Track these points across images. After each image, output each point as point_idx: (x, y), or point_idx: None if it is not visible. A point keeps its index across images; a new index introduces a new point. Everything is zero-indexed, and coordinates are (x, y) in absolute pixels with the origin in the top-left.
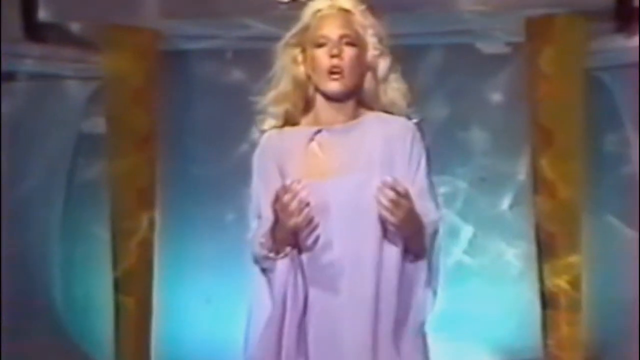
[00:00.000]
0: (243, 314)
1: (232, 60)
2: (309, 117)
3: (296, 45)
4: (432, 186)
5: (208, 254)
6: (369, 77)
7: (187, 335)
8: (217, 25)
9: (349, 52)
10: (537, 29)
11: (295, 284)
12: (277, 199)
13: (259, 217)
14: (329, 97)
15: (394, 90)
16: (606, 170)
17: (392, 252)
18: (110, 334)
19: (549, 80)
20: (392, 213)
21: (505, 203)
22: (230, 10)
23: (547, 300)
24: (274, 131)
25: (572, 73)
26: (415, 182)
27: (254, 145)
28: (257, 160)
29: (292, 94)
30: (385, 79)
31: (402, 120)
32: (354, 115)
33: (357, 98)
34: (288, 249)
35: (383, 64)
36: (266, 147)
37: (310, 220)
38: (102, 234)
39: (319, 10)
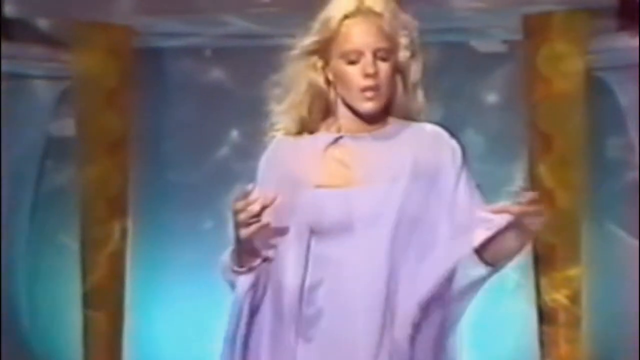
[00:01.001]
0: (222, 329)
1: (211, 59)
2: (329, 124)
3: (315, 52)
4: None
5: (184, 266)
6: (398, 82)
7: (162, 353)
8: (194, 21)
9: (384, 68)
10: (536, 27)
11: (251, 308)
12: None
13: None
14: (359, 114)
15: (421, 96)
16: (608, 176)
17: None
18: (79, 352)
19: (548, 80)
20: (537, 222)
21: None
22: (208, 6)
23: (545, 316)
24: (287, 137)
25: (572, 73)
26: (474, 195)
27: (233, 149)
28: (261, 165)
29: (309, 102)
30: (415, 84)
31: (430, 127)
32: (381, 123)
33: (385, 107)
34: (257, 261)
35: (415, 67)
36: (275, 153)
37: (265, 234)
38: (71, 244)
39: (346, 17)
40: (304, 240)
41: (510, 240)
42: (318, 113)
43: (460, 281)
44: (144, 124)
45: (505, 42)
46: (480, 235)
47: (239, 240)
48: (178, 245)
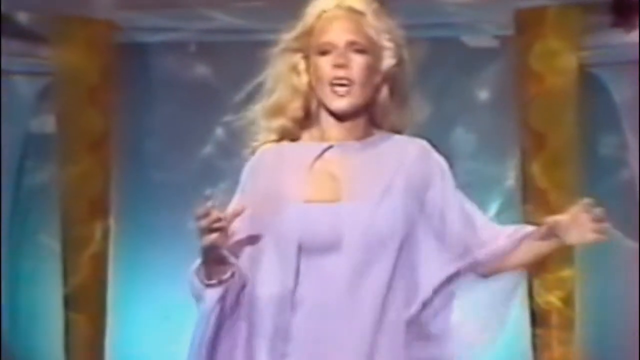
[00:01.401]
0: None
1: (195, 54)
2: (312, 132)
3: (297, 50)
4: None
5: (168, 267)
6: (384, 91)
7: (145, 356)
8: (178, 16)
9: (358, 60)
10: (528, 22)
11: (218, 322)
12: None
13: None
14: (335, 115)
15: (409, 109)
16: (602, 176)
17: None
18: (60, 355)
19: (541, 77)
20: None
21: (492, 211)
22: (192, 0)
23: (537, 318)
24: (272, 146)
25: (566, 70)
26: (465, 208)
27: (218, 147)
28: (245, 175)
29: (290, 107)
30: (403, 96)
31: (417, 141)
32: (365, 135)
33: (369, 115)
34: (227, 274)
35: (401, 77)
36: (259, 163)
37: (234, 244)
38: (52, 245)
39: (324, 11)
40: (293, 256)
41: (517, 257)
42: (300, 119)
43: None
44: (126, 121)
45: (496, 37)
46: (482, 256)
47: (202, 249)
48: (161, 246)
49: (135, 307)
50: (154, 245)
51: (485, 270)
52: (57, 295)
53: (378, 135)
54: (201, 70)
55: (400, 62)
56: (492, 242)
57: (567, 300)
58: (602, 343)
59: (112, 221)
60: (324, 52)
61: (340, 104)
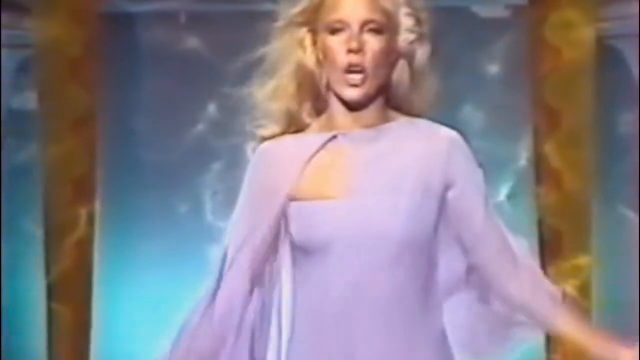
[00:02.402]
0: None
1: (186, 25)
2: (321, 120)
3: (302, 24)
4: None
5: (157, 254)
6: (400, 68)
7: (131, 350)
8: None
9: (373, 44)
10: None
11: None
12: None
13: (224, 259)
14: (346, 103)
15: (429, 89)
16: (621, 156)
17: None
18: (43, 348)
19: (556, 50)
20: None
21: (503, 193)
22: None
23: None
24: (272, 142)
25: (583, 42)
26: (488, 220)
27: (211, 125)
28: (246, 177)
29: (297, 88)
30: (422, 73)
31: (445, 132)
32: (381, 119)
33: (385, 96)
34: None
35: (421, 53)
36: (259, 163)
37: None
38: (34, 231)
39: None
40: (287, 258)
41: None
42: (309, 104)
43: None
44: (112, 97)
45: (509, 7)
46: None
47: None
48: (150, 231)
49: (123, 296)
50: (143, 230)
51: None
52: (40, 285)
53: (398, 121)
54: (192, 42)
55: (420, 38)
56: (527, 294)
57: (583, 290)
58: (619, 334)
59: (97, 205)
60: (334, 31)
61: (352, 93)
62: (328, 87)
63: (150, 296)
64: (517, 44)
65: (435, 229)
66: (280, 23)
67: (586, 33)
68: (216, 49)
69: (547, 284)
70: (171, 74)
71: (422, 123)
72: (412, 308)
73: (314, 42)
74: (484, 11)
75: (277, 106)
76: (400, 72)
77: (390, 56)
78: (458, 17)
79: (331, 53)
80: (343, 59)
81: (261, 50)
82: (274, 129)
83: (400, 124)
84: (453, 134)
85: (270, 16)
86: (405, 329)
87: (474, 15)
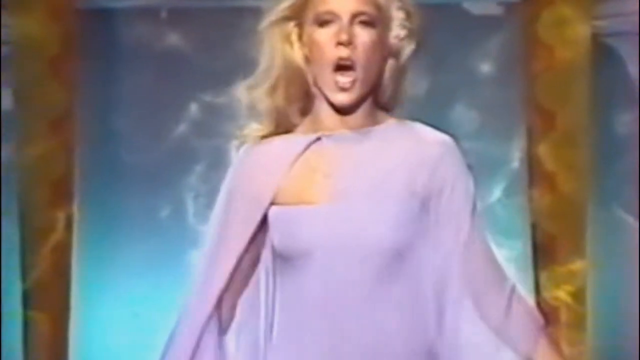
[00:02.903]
0: None
1: (167, 21)
2: (307, 120)
3: (290, 18)
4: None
5: (137, 259)
6: (390, 66)
7: (111, 358)
8: None
9: (364, 37)
10: None
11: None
12: None
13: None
14: (334, 106)
15: (404, 84)
16: (617, 157)
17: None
18: (19, 358)
19: (550, 48)
20: None
21: (495, 196)
22: None
23: (544, 315)
24: (254, 144)
25: (578, 40)
26: (465, 234)
27: (193, 125)
28: (226, 179)
29: (284, 86)
30: (405, 72)
31: (438, 136)
32: (370, 121)
33: (375, 96)
34: None
35: (408, 50)
36: (241, 165)
37: None
38: (10, 235)
39: None
40: (269, 266)
41: None
42: (297, 103)
43: None
44: (91, 96)
45: (501, 4)
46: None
47: None
48: (130, 236)
49: (102, 304)
50: (123, 234)
51: None
52: (15, 292)
53: (386, 123)
54: (173, 39)
55: (408, 35)
56: (503, 317)
57: (578, 296)
58: (615, 343)
59: (76, 208)
60: (323, 23)
61: (342, 98)
62: (315, 84)
63: (131, 303)
64: (509, 42)
65: (422, 235)
66: (269, 19)
67: (581, 31)
68: (199, 46)
69: (530, 310)
70: (152, 72)
71: (413, 126)
72: (397, 319)
73: (301, 37)
74: (475, 8)
75: (264, 105)
76: (389, 71)
77: (381, 52)
78: (449, 14)
79: (319, 47)
80: (332, 52)
81: (250, 46)
82: (260, 129)
83: (389, 126)
84: (445, 138)
85: (255, 12)
86: (389, 342)
87: (466, 12)
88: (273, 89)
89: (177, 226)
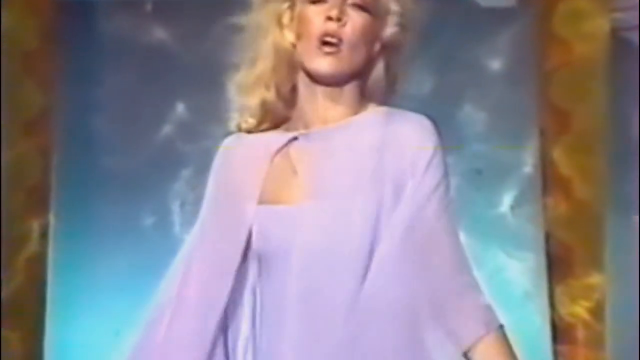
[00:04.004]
0: None
1: (152, 15)
2: (295, 117)
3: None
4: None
5: (119, 272)
6: (381, 63)
7: None
8: None
9: (356, 18)
10: None
11: None
12: None
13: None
14: (316, 80)
15: (399, 85)
16: (637, 161)
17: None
18: None
19: (566, 43)
20: None
21: (507, 203)
22: None
23: (560, 333)
24: (234, 139)
25: (596, 35)
26: (440, 221)
27: (179, 127)
28: (212, 170)
29: (272, 74)
30: (398, 70)
31: (415, 118)
32: (355, 111)
33: (361, 88)
34: None
35: (403, 46)
36: (223, 157)
37: None
38: None
39: None
40: (251, 269)
41: None
42: (287, 91)
43: None
44: (69, 95)
45: None
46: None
47: None
48: (111, 247)
49: (80, 321)
50: (103, 246)
51: None
52: None
53: (370, 110)
54: (159, 33)
55: (403, 30)
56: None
57: (596, 312)
58: None
59: (52, 217)
60: (315, 1)
61: (323, 63)
62: (302, 66)
63: (111, 321)
64: (521, 37)
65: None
66: None
67: (600, 24)
68: (186, 41)
69: (483, 307)
70: (136, 70)
71: (388, 111)
72: (377, 324)
73: (292, 19)
74: (485, 0)
75: (252, 97)
76: (379, 67)
77: (371, 39)
78: (456, 6)
79: (307, 23)
80: (320, 26)
81: (240, 33)
82: (250, 122)
83: (366, 115)
84: (418, 117)
85: (247, 5)
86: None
87: (474, 4)
88: (259, 79)
89: (162, 237)
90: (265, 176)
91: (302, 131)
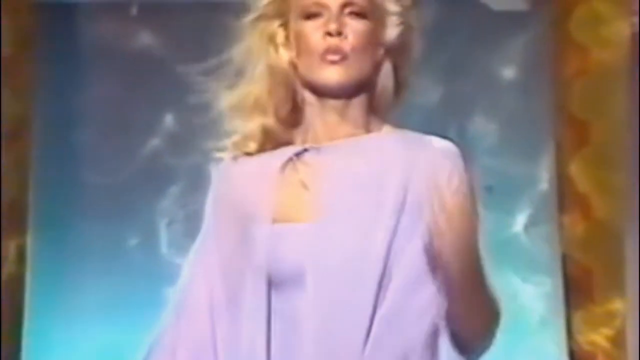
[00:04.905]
0: None
1: (138, 18)
2: (300, 133)
3: (274, 17)
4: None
5: (101, 297)
6: (386, 68)
7: None
8: None
9: (355, 27)
10: None
11: None
12: None
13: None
14: (324, 93)
15: (406, 91)
16: None
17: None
18: None
19: (584, 50)
20: None
21: (520, 223)
22: None
23: None
24: (234, 159)
25: (616, 41)
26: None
27: (167, 140)
28: (209, 199)
29: (269, 97)
30: (406, 71)
31: (438, 141)
32: (365, 128)
33: (370, 102)
34: None
35: (407, 48)
36: (222, 182)
37: None
38: None
39: None
40: (262, 292)
41: None
42: (286, 114)
43: None
44: (49, 105)
45: None
46: None
47: None
48: (93, 270)
49: (59, 348)
50: (84, 268)
51: None
52: None
53: (380, 131)
54: (145, 38)
55: (407, 32)
56: None
57: (617, 340)
58: None
59: (29, 237)
60: (310, 16)
61: (332, 73)
62: (304, 84)
63: (92, 347)
64: (536, 42)
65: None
66: (249, 17)
67: (620, 29)
68: (175, 47)
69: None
70: (120, 78)
71: (408, 134)
72: (397, 351)
73: (286, 40)
74: (496, 2)
75: (251, 123)
76: (385, 72)
77: (374, 46)
78: (465, 10)
79: (306, 40)
80: (320, 43)
81: (228, 51)
82: (252, 146)
83: (383, 134)
84: (448, 145)
85: (238, 8)
86: None
87: (485, 8)
88: (257, 103)
89: (147, 258)
90: (276, 192)
91: (313, 145)
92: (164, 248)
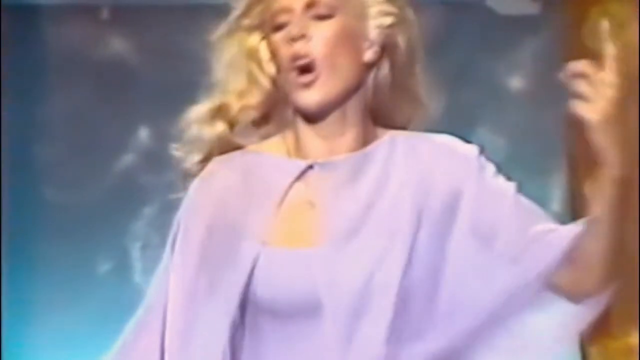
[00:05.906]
0: None
1: (109, 22)
2: (290, 138)
3: (252, 29)
4: None
5: (70, 327)
6: (384, 67)
7: None
8: None
9: (322, 29)
10: None
11: None
12: None
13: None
14: (309, 117)
15: (418, 95)
16: None
17: None
18: None
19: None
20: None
21: None
22: None
23: None
24: (226, 161)
25: (633, 47)
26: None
27: (141, 156)
28: (188, 201)
29: (255, 110)
30: (406, 71)
31: (436, 139)
32: (363, 140)
33: (366, 104)
34: None
35: (402, 41)
36: (209, 185)
37: None
38: None
39: None
40: (260, 325)
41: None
42: (250, 123)
43: None
44: (10, 118)
45: (536, 0)
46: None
47: None
48: (61, 297)
49: None
50: (51, 295)
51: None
52: None
53: (384, 138)
54: (117, 45)
55: (398, 22)
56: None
57: None
58: None
59: None
60: (280, 26)
61: (306, 97)
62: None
63: None
64: (547, 49)
65: (437, 270)
66: (223, 30)
67: (636, 35)
68: (149, 54)
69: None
70: (89, 87)
71: (417, 135)
72: None
73: (273, 55)
74: (503, 7)
75: (208, 130)
76: (382, 72)
77: (355, 43)
78: (470, 14)
79: (278, 52)
80: (287, 52)
81: (207, 63)
82: (194, 154)
83: (386, 141)
84: (445, 139)
85: (217, 12)
86: None
87: (491, 11)
88: (221, 110)
89: (120, 285)
90: (275, 211)
91: (317, 160)
92: (137, 275)
